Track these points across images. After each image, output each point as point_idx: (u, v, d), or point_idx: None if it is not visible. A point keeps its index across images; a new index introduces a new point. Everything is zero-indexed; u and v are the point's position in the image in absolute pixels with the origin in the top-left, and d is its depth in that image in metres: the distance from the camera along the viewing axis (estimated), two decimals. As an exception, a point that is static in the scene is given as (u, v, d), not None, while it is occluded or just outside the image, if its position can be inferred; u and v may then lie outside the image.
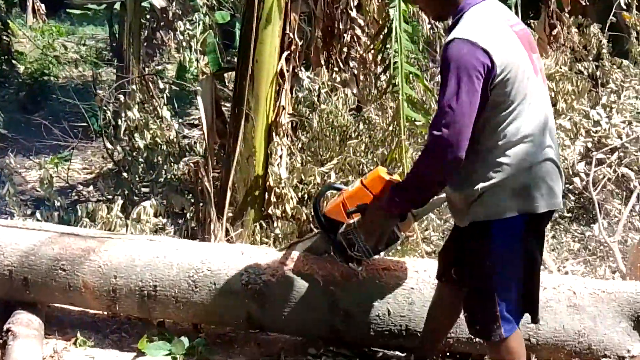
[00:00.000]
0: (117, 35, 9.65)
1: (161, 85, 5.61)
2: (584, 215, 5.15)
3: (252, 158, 4.52)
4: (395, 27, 4.11)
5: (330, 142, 4.75)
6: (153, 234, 4.63)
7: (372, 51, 4.70)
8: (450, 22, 2.56)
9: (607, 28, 5.52)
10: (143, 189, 5.40)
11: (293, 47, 4.50)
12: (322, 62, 4.96)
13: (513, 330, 2.66)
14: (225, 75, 8.14)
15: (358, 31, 5.24)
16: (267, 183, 4.52)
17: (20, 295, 3.68)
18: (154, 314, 3.63)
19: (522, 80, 2.45)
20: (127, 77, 6.63)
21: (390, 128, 4.54)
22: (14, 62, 10.79)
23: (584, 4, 6.01)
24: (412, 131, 4.63)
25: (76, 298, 3.68)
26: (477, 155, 2.47)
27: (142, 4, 8.68)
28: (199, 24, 8.50)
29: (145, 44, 8.21)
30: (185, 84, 7.11)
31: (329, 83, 4.97)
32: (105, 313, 3.86)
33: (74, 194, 6.07)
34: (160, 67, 10.82)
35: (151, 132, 5.25)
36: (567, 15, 5.65)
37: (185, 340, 3.47)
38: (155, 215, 4.76)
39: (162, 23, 8.06)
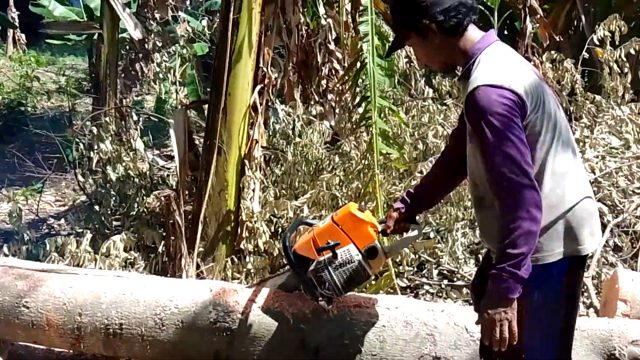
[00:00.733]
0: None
1: (135, 117, 5.55)
2: (558, 250, 5.10)
3: (224, 192, 4.47)
4: (369, 62, 4.11)
5: (304, 175, 4.71)
6: (123, 269, 4.55)
7: (345, 85, 4.70)
8: (460, 71, 2.48)
9: (579, 63, 5.56)
10: (115, 223, 5.32)
11: (267, 80, 4.49)
12: (297, 96, 4.93)
13: None
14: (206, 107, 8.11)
15: (336, 65, 5.27)
16: (239, 217, 4.47)
17: (-18, 333, 3.59)
18: (120, 352, 3.55)
19: (550, 115, 2.37)
20: (102, 108, 6.56)
21: (364, 162, 4.52)
22: (-11, 92, 10.70)
23: (557, 39, 6.08)
24: (386, 165, 4.61)
25: (40, 336, 3.59)
26: None
27: (122, 35, 8.69)
28: (178, 56, 8.51)
29: (123, 75, 8.16)
30: (161, 116, 7.07)
31: (304, 117, 4.95)
32: (71, 351, 3.76)
33: (44, 227, 5.96)
34: (139, 98, 10.81)
35: (124, 164, 5.18)
36: (540, 50, 5.70)
37: (151, 379, 3.38)
38: (126, 250, 4.67)
39: (140, 54, 8.02)
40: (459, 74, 2.48)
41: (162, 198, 4.36)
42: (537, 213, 2.24)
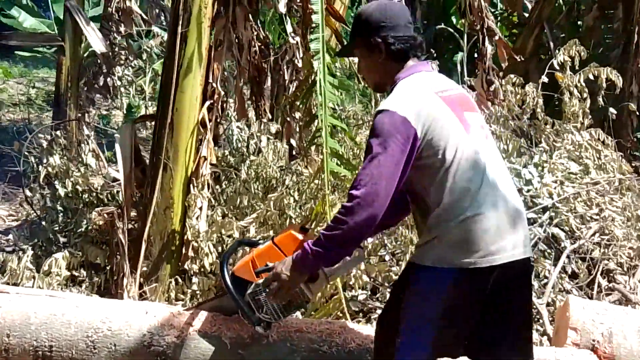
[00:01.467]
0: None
1: (86, 131, 5.42)
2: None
3: (169, 210, 4.35)
4: (319, 79, 4.02)
5: (254, 194, 4.59)
6: (64, 288, 4.40)
7: (296, 103, 4.61)
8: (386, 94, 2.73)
9: (539, 87, 5.53)
10: (63, 239, 5.16)
11: (216, 96, 4.38)
12: (251, 113, 4.83)
13: None
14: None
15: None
16: (185, 236, 4.34)
17: None
18: (50, 375, 3.39)
19: (447, 141, 2.53)
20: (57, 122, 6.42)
21: (316, 182, 4.42)
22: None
23: (518, 59, 6.07)
24: (338, 185, 4.51)
25: (-35, 358, 3.43)
26: (427, 214, 2.58)
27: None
28: (150, 71, 8.40)
29: (86, 88, 8.03)
30: (113, 130, 6.94)
31: (258, 134, 4.85)
32: (-2, 374, 3.60)
33: (-9, 242, 5.79)
34: (106, 112, 10.67)
35: (72, 179, 5.04)
36: (501, 72, 5.67)
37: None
38: (69, 268, 4.52)
39: (103, 68, 7.91)
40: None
41: (105, 215, 4.22)
42: (367, 222, 2.46)
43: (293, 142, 5.25)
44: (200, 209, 4.33)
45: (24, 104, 11.94)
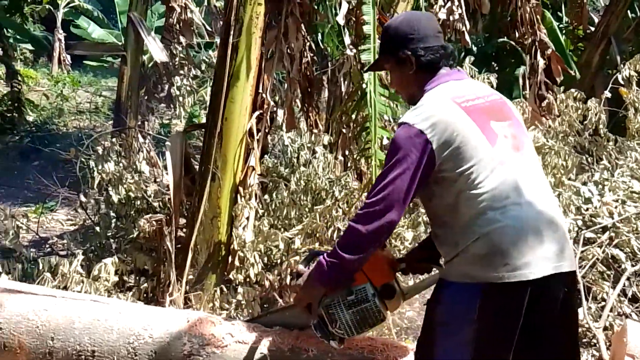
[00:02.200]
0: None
1: (141, 139, 5.51)
2: (569, 298, 4.84)
3: (216, 219, 4.34)
4: (369, 91, 3.96)
5: (302, 206, 4.55)
6: (111, 293, 4.44)
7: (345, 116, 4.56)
8: None
9: (602, 102, 5.32)
10: (115, 245, 5.24)
11: (265, 106, 4.37)
12: (302, 125, 4.80)
13: None
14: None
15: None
16: (231, 246, 4.33)
17: (-50, 354, 3.50)
18: (91, 380, 3.42)
19: (467, 152, 2.47)
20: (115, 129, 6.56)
21: (365, 194, 4.34)
22: (23, 109, 10.88)
23: (572, 73, 5.86)
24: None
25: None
26: (451, 229, 2.52)
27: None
28: (209, 81, 8.48)
29: (146, 97, 8.19)
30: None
31: (309, 145, 4.82)
32: (41, 377, 3.64)
33: (47, 246, 5.93)
34: (167, 121, 10.87)
35: (125, 185, 5.11)
36: (561, 86, 5.48)
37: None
38: (118, 274, 4.57)
39: (164, 78, 8.06)
40: None
41: (154, 222, 4.25)
42: (379, 230, 2.45)
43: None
44: (247, 218, 4.32)
45: (90, 111, 12.27)
